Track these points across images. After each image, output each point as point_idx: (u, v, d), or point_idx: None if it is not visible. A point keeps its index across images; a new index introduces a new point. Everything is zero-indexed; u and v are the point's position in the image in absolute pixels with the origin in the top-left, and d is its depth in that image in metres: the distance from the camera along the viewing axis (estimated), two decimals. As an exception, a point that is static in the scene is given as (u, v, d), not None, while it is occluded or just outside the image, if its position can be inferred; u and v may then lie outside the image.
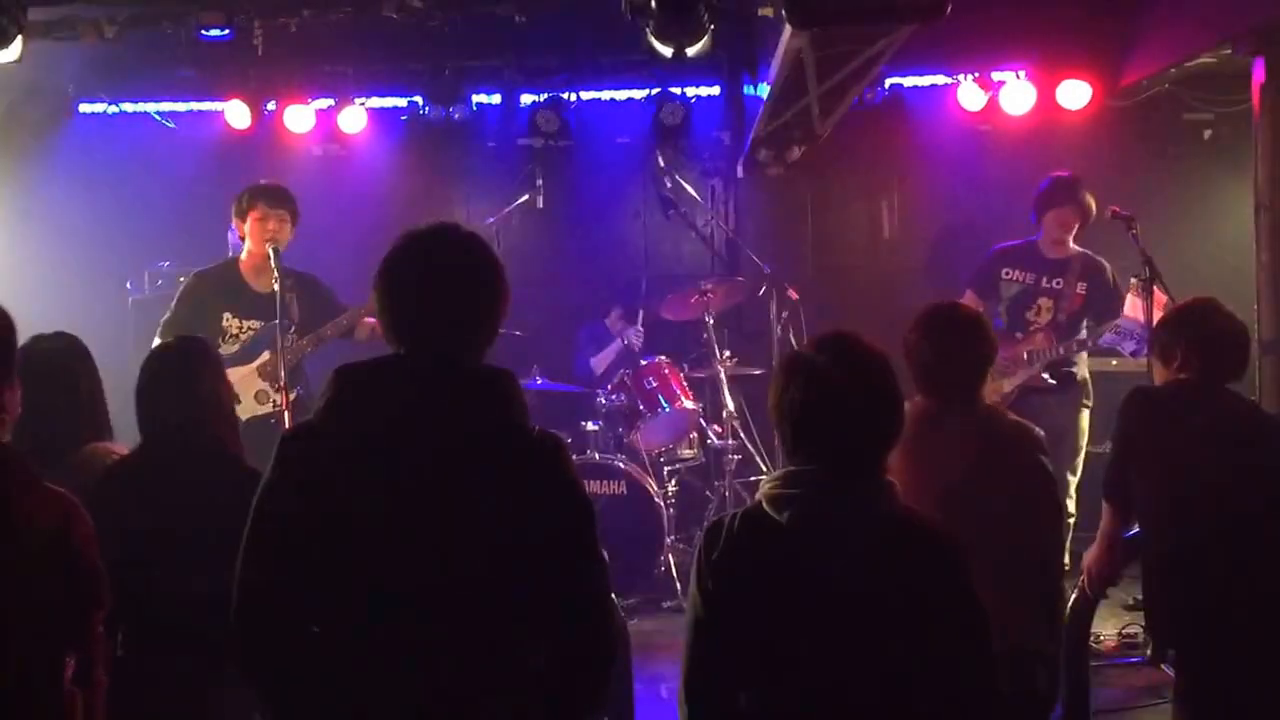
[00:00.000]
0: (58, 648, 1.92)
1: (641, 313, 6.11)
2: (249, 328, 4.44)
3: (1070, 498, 4.81)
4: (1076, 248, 4.98)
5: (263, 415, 4.33)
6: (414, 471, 1.84)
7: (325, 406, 1.89)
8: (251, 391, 4.38)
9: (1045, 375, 4.84)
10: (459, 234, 1.99)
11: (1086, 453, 4.93)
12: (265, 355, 4.38)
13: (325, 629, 1.83)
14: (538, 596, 1.87)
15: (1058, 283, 4.92)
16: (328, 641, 1.83)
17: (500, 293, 1.97)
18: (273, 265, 4.24)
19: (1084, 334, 4.84)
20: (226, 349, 4.42)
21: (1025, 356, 4.86)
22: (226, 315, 4.45)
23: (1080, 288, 4.90)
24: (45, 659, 1.90)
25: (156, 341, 4.42)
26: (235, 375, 4.27)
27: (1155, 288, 4.38)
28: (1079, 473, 4.88)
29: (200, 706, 2.60)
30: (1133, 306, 4.59)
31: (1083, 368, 5.00)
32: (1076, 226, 4.93)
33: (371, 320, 4.39)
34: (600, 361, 6.06)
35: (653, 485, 5.28)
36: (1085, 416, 4.94)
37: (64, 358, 2.90)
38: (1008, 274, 4.99)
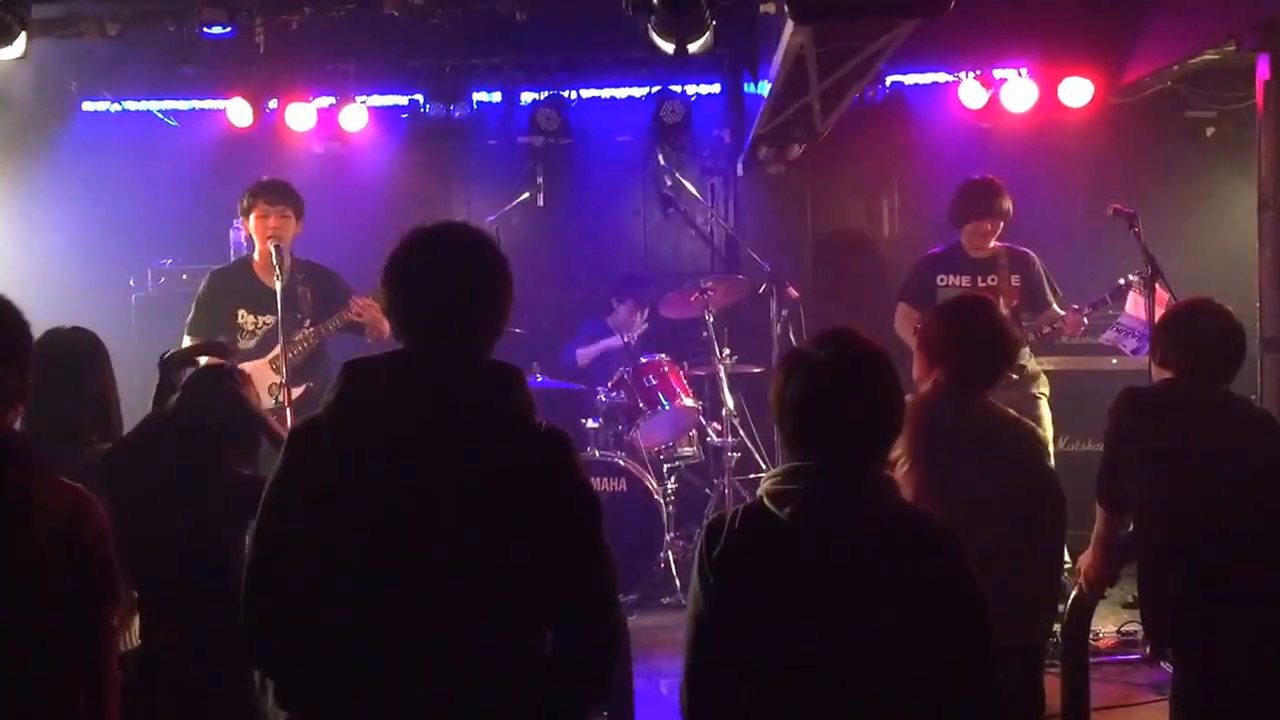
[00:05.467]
0: (68, 641, 1.92)
1: (648, 309, 6.12)
2: (264, 323, 4.49)
3: None
4: (998, 243, 5.02)
5: (279, 408, 4.37)
6: (421, 466, 1.85)
7: (333, 401, 1.90)
8: (266, 384, 4.41)
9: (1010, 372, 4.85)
10: (465, 231, 2.01)
11: (1059, 450, 4.92)
12: (279, 349, 4.42)
13: (333, 621, 1.84)
14: (544, 590, 1.88)
15: (992, 279, 4.95)
16: (336, 633, 1.84)
17: (506, 289, 1.99)
18: (274, 262, 4.27)
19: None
20: (243, 345, 4.48)
21: None
22: (241, 312, 4.50)
23: (1014, 280, 4.93)
24: (55, 652, 1.90)
25: (186, 341, 4.49)
26: (251, 369, 4.32)
27: (1157, 286, 4.38)
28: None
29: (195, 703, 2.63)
30: (1135, 305, 4.59)
31: (1030, 360, 5.00)
32: (997, 233, 4.97)
33: (362, 320, 4.42)
34: (586, 355, 6.05)
35: (652, 483, 5.29)
36: (1044, 405, 4.93)
37: (71, 351, 2.89)
38: (943, 280, 5.00)
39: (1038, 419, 4.81)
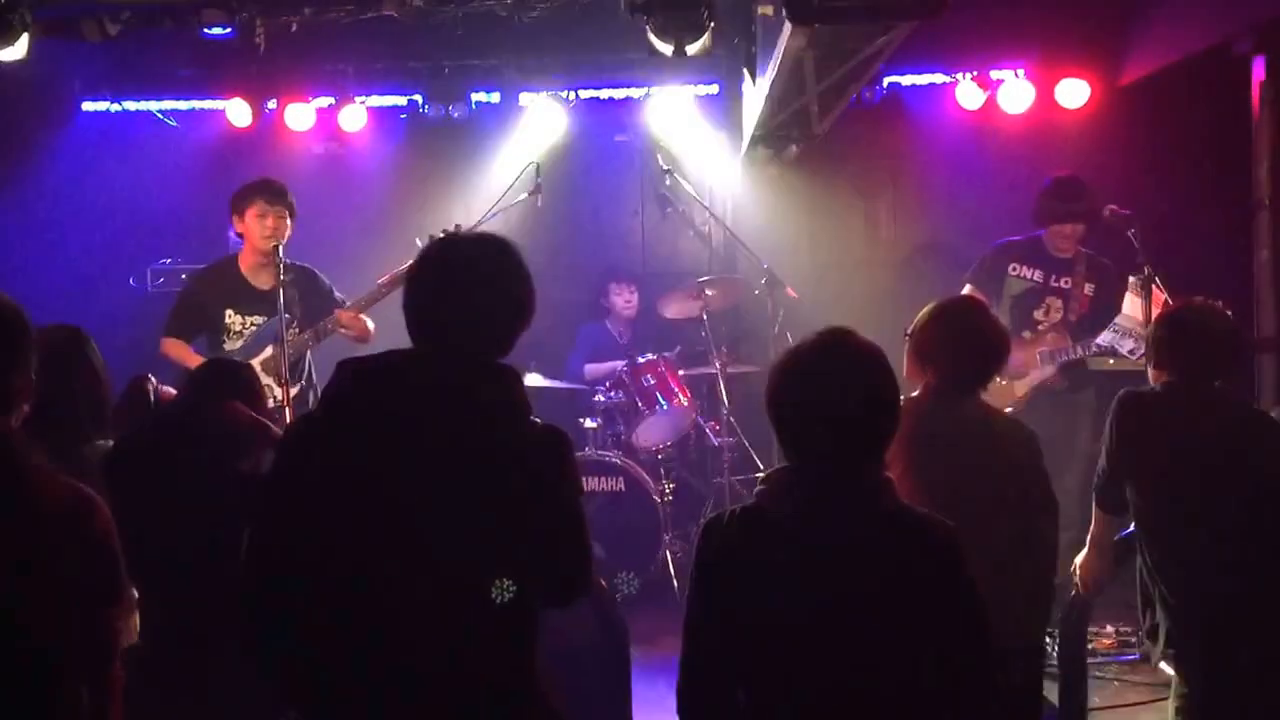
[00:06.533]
0: (72, 640, 1.92)
1: (633, 285, 6.11)
2: (251, 323, 4.48)
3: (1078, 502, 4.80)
4: (1081, 248, 4.91)
5: (269, 410, 4.36)
6: (417, 465, 1.86)
7: (328, 398, 1.91)
8: None
9: (1060, 376, 4.81)
10: (491, 240, 2.07)
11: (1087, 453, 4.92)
12: (269, 350, 4.42)
13: (332, 617, 1.85)
14: (538, 580, 1.91)
15: (1066, 282, 4.84)
16: (335, 629, 1.85)
17: (524, 304, 2.04)
18: (275, 263, 4.28)
19: (1104, 338, 4.76)
20: (230, 345, 4.45)
21: (1038, 357, 4.81)
22: (229, 312, 4.48)
23: (1088, 288, 4.83)
24: (59, 651, 1.90)
25: (164, 341, 4.47)
26: None
27: (1154, 287, 4.38)
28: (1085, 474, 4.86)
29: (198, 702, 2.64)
30: (1131, 305, 4.59)
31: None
32: (1078, 235, 4.84)
33: (349, 332, 4.41)
34: (594, 370, 6.06)
35: (650, 482, 5.30)
36: (1089, 417, 4.92)
37: (61, 348, 2.88)
38: (1015, 270, 4.89)
39: (1082, 425, 4.78)
